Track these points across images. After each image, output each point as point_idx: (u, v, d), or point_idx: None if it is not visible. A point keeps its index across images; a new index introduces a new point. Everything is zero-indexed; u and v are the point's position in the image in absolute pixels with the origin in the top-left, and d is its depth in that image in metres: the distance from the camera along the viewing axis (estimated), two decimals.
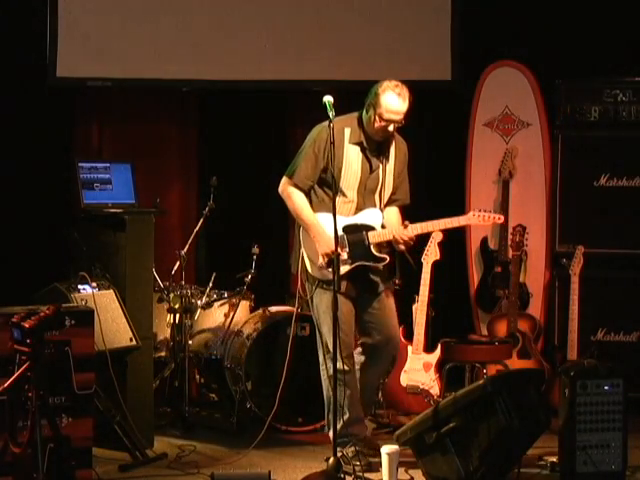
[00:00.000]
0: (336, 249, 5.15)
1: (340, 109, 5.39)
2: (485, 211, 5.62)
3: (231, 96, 7.12)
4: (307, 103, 7.22)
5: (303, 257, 5.53)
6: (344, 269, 5.45)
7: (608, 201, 6.90)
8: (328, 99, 5.25)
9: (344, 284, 5.45)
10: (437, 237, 6.49)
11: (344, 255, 5.45)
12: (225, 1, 6.98)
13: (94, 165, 6.15)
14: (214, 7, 6.91)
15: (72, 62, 6.66)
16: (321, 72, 7.05)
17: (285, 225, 7.39)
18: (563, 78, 7.03)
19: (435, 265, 6.59)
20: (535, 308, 7.14)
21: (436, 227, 5.63)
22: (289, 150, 7.45)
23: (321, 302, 5.50)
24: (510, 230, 6.85)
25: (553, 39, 7.26)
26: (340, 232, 5.44)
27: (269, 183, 7.35)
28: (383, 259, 5.55)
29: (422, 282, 6.56)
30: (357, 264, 5.51)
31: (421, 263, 6.53)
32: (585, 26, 7.19)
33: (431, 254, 6.53)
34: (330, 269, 5.28)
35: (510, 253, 6.88)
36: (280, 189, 5.61)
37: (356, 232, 5.51)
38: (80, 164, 6.10)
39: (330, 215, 5.32)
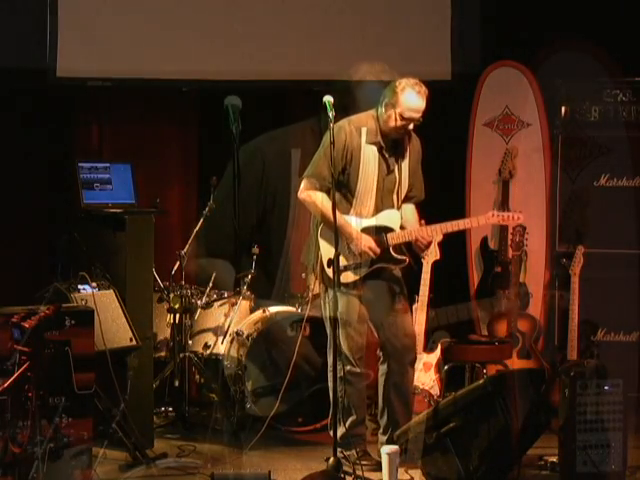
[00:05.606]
0: (336, 249, 5.13)
1: (339, 109, 5.38)
2: (504, 211, 5.60)
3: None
4: (307, 103, 7.22)
5: (321, 259, 5.45)
6: (363, 271, 5.44)
7: (608, 201, 6.90)
8: (328, 99, 5.23)
9: (360, 287, 5.44)
10: (437, 237, 6.47)
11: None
12: (225, 1, 6.98)
13: (94, 165, 6.15)
14: (215, 7, 6.90)
15: (72, 62, 6.66)
16: (321, 72, 7.05)
17: (285, 225, 7.39)
18: (563, 78, 7.03)
19: (435, 265, 6.59)
20: (535, 308, 7.13)
21: (455, 227, 5.56)
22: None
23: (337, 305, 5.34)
24: (510, 230, 6.84)
25: (553, 39, 7.25)
26: None
27: None
28: (402, 260, 5.51)
29: (422, 282, 6.55)
30: (376, 266, 5.46)
31: (421, 263, 6.52)
32: (585, 26, 7.19)
33: (431, 254, 6.52)
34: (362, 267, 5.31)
35: (510, 253, 6.88)
36: (300, 194, 5.49)
37: (375, 234, 5.46)
38: (80, 164, 6.10)
39: (348, 217, 5.38)
